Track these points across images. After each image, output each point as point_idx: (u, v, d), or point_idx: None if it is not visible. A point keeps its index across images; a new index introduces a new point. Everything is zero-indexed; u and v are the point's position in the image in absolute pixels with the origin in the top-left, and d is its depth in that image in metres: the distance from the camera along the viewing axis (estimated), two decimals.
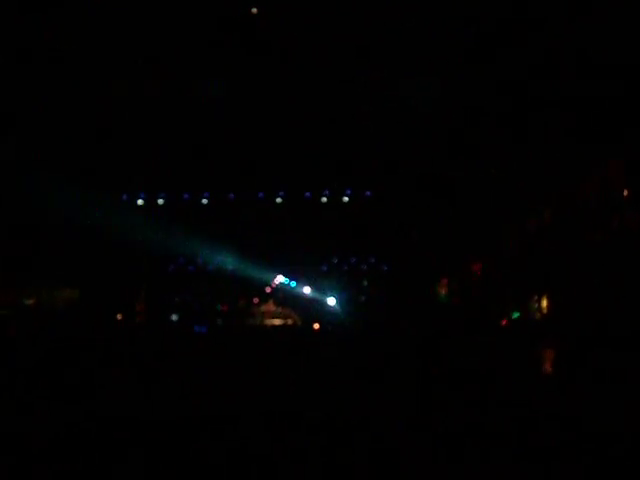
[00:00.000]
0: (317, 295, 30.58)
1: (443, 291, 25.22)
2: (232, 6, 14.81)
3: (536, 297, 19.89)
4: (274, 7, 14.84)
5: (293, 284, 30.75)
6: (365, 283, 29.83)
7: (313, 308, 29.95)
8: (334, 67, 15.84)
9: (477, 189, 19.91)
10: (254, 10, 15.30)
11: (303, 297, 30.71)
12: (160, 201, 23.84)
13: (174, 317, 28.37)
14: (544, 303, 19.56)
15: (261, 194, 24.32)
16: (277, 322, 29.67)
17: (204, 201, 24.12)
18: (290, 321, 29.88)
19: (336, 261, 29.06)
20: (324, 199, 24.46)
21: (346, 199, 24.55)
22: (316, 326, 27.76)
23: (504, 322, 20.48)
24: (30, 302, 21.96)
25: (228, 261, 28.15)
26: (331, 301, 30.34)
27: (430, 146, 18.83)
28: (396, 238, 25.80)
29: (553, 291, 18.59)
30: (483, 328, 19.29)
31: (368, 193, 24.47)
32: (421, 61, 15.26)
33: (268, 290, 30.95)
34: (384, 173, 22.08)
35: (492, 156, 17.49)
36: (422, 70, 15.42)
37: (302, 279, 30.51)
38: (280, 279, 30.42)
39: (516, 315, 20.20)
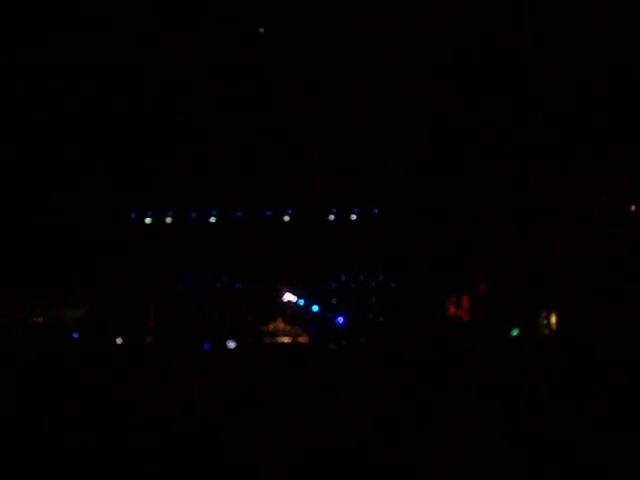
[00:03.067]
0: (326, 313, 30.48)
1: (452, 306, 25.12)
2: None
3: (545, 313, 19.82)
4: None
5: (301, 302, 30.68)
6: (374, 300, 29.74)
7: (322, 326, 29.83)
8: (336, 83, 15.91)
9: (484, 203, 19.91)
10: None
11: (311, 315, 30.61)
12: (168, 219, 23.94)
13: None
14: (553, 319, 19.48)
15: (269, 212, 24.40)
16: (286, 340, 29.54)
17: (212, 219, 24.20)
18: (299, 339, 29.73)
19: (344, 279, 29.03)
20: (332, 217, 24.55)
21: (354, 217, 24.62)
22: (325, 343, 27.63)
23: None
24: (39, 319, 22.05)
25: (236, 279, 28.14)
26: (340, 319, 30.23)
27: (435, 160, 18.87)
28: (404, 255, 25.77)
29: (561, 307, 18.53)
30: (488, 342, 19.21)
31: (376, 210, 24.52)
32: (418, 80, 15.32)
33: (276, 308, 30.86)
34: (391, 190, 22.13)
35: (497, 169, 17.52)
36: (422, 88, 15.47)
37: (310, 297, 30.43)
38: (288, 297, 30.37)
39: (516, 332, 20.11)
